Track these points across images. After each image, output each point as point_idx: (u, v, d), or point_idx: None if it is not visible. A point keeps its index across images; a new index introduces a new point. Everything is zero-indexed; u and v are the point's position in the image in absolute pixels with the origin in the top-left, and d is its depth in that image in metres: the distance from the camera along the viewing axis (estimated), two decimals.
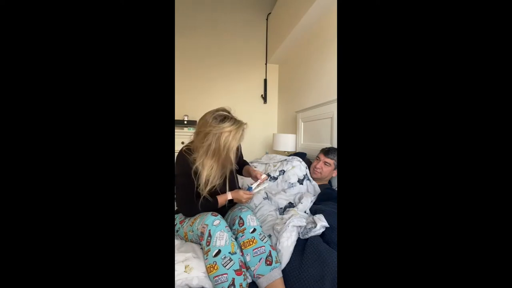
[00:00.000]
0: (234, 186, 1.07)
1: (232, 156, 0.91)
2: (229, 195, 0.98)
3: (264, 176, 1.03)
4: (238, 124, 0.90)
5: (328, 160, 1.41)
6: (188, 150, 0.95)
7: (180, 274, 0.76)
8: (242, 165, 1.20)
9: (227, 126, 0.87)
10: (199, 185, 0.92)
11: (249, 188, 1.01)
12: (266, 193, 1.28)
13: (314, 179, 1.47)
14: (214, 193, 0.97)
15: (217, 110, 0.92)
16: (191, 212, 0.96)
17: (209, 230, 0.83)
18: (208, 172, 0.90)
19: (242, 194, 0.97)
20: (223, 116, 0.89)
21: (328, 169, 1.41)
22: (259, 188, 1.02)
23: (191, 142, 0.98)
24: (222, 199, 0.98)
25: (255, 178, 1.05)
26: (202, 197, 0.93)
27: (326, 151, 1.43)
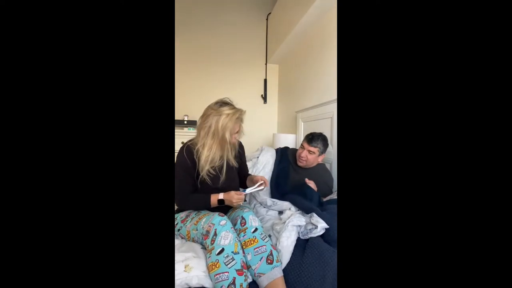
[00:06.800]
0: (232, 172, 1.12)
1: (228, 136, 0.99)
2: (220, 195, 1.00)
3: (264, 178, 1.07)
4: (236, 109, 1.02)
5: (311, 148, 1.40)
6: (191, 145, 1.02)
7: (180, 274, 0.76)
8: (245, 176, 1.24)
9: (226, 110, 0.99)
10: (200, 165, 1.00)
11: (244, 190, 1.04)
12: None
13: (299, 166, 1.49)
14: (214, 175, 1.02)
15: (221, 99, 1.05)
16: (182, 202, 1.02)
17: (215, 229, 0.84)
18: (207, 152, 0.99)
19: (233, 194, 0.97)
20: (224, 102, 1.03)
21: (313, 156, 1.41)
22: (253, 191, 1.04)
23: (195, 138, 1.06)
24: (214, 198, 1.00)
25: (256, 182, 1.07)
26: (199, 188, 1.01)
27: (310, 139, 1.41)
